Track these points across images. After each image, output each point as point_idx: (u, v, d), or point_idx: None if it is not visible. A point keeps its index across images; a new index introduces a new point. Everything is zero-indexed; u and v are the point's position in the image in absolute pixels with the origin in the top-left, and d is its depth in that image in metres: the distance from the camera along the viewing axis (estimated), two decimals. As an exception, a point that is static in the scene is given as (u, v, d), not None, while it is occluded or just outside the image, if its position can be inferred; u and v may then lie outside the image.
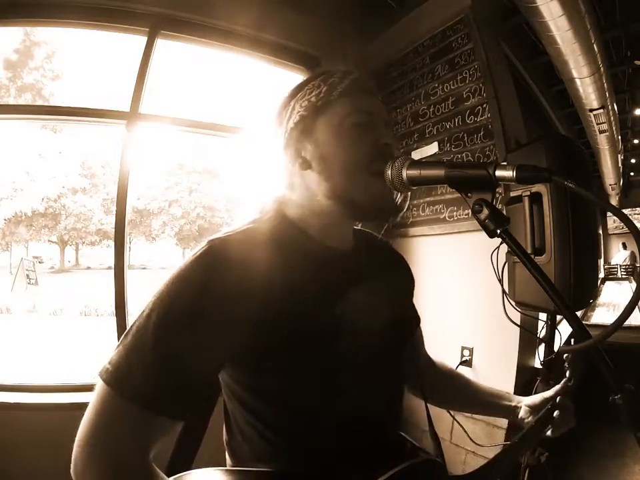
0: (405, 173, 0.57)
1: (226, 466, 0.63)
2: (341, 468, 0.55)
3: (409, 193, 0.64)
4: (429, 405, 0.74)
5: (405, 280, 0.78)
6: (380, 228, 0.76)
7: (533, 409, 0.77)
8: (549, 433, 0.76)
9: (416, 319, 0.82)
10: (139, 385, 0.47)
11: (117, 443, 0.47)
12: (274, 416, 0.57)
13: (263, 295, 0.52)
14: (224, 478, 0.55)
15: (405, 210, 0.66)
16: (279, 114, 0.64)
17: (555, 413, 0.74)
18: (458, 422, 1.03)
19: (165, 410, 0.49)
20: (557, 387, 0.79)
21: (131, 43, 1.91)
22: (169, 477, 0.51)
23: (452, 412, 1.19)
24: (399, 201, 0.64)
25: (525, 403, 0.79)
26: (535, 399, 0.79)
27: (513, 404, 0.80)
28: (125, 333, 0.51)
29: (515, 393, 0.84)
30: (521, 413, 0.79)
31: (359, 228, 0.73)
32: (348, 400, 0.57)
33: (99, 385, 0.49)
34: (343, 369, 0.57)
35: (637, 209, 9.43)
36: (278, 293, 0.53)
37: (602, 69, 2.70)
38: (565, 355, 0.82)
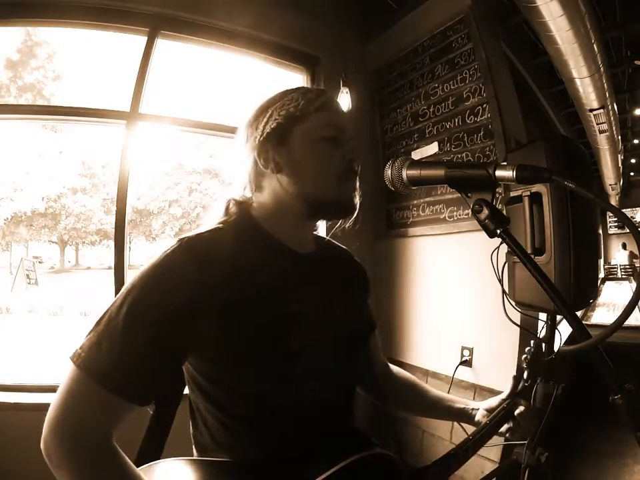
0: (404, 173, 0.57)
1: (193, 457, 0.66)
2: (296, 457, 0.59)
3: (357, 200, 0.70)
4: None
5: (360, 288, 0.82)
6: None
7: (490, 412, 0.81)
8: (508, 434, 0.80)
9: (370, 326, 0.86)
10: (106, 369, 0.51)
11: (82, 421, 0.51)
12: (233, 405, 0.60)
13: (225, 290, 0.57)
14: (187, 467, 0.58)
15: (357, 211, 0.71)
16: (255, 118, 0.68)
17: (514, 413, 0.79)
18: (458, 422, 1.03)
19: (128, 394, 0.52)
20: (510, 388, 0.82)
21: (130, 42, 1.91)
22: (138, 466, 0.54)
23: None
24: (357, 202, 0.70)
25: (483, 407, 0.82)
26: (492, 402, 0.82)
27: (469, 408, 0.84)
28: (97, 320, 0.55)
29: None
30: (478, 416, 0.82)
31: (323, 236, 0.79)
32: (302, 391, 0.62)
33: (70, 368, 0.53)
34: (295, 362, 0.62)
35: (637, 209, 9.42)
36: (239, 288, 0.58)
37: (602, 69, 2.70)
38: (524, 356, 0.84)
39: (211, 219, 0.67)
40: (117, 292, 1.72)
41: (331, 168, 0.65)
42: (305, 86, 0.67)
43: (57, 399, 0.52)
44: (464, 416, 0.84)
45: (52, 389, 1.61)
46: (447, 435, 1.88)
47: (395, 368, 0.92)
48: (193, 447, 0.67)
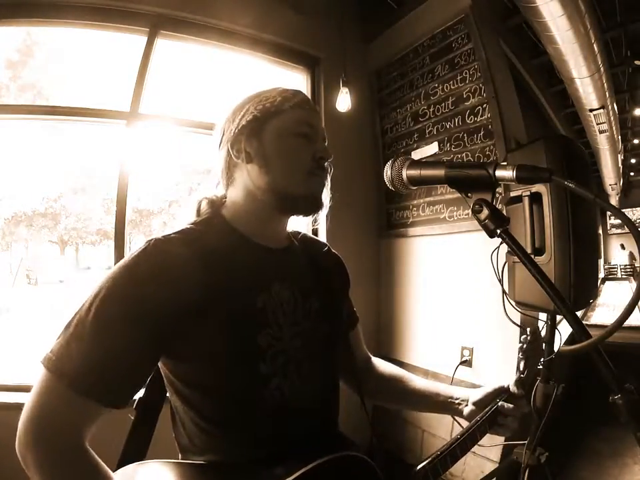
0: (404, 173, 0.57)
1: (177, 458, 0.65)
2: (270, 458, 0.58)
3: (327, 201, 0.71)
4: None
5: (338, 281, 0.82)
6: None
7: (479, 405, 0.78)
8: (500, 431, 0.78)
9: (351, 318, 0.86)
10: (76, 371, 0.51)
11: (54, 425, 0.51)
12: (206, 407, 0.60)
13: (195, 290, 0.57)
14: (161, 470, 0.58)
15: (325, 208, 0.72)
16: (232, 114, 0.69)
17: (503, 411, 0.76)
18: (458, 422, 1.03)
19: (99, 397, 0.52)
20: (505, 381, 0.80)
21: (130, 43, 1.91)
22: (119, 468, 0.55)
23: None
24: (324, 200, 0.71)
25: (471, 400, 0.80)
26: (482, 393, 0.79)
27: (455, 401, 0.81)
28: (67, 323, 0.55)
29: None
30: (466, 411, 0.80)
31: (298, 231, 0.79)
32: (271, 391, 0.61)
33: (41, 371, 0.53)
34: (262, 360, 0.61)
35: (637, 208, 9.42)
36: (208, 288, 0.58)
37: (602, 68, 2.70)
38: (520, 345, 0.82)
39: (182, 219, 0.68)
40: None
41: (300, 163, 0.66)
42: (282, 87, 0.69)
43: (29, 402, 0.52)
44: (450, 409, 0.82)
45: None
46: (447, 435, 1.88)
47: (378, 361, 0.91)
48: (177, 449, 0.67)
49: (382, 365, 0.90)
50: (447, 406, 0.82)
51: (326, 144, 0.71)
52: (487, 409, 0.76)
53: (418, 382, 0.85)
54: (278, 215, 0.69)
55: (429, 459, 0.66)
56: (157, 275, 0.56)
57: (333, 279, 0.79)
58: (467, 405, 0.80)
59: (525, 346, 0.82)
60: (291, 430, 0.62)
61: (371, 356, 0.91)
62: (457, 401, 0.81)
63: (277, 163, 0.66)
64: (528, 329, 0.88)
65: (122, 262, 0.58)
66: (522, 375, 0.79)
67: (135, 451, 0.65)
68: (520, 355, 0.80)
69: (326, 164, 0.69)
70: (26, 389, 1.58)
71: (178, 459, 0.64)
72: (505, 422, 0.77)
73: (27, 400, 0.52)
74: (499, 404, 0.76)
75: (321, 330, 0.69)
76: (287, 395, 0.62)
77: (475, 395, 0.80)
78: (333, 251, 0.85)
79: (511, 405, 0.77)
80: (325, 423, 0.70)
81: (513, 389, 0.79)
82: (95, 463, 0.52)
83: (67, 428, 0.51)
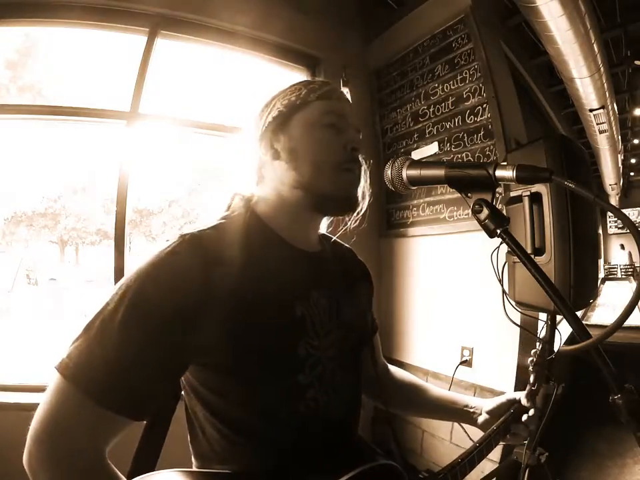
0: (404, 173, 0.57)
1: (192, 466, 0.63)
2: (299, 468, 0.56)
3: (368, 199, 0.68)
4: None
5: (366, 288, 0.80)
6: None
7: (493, 414, 0.79)
8: (510, 440, 0.79)
9: (373, 326, 0.84)
10: (99, 381, 0.46)
11: (72, 437, 0.46)
12: (234, 415, 0.56)
13: (227, 295, 0.52)
14: (182, 479, 0.53)
15: (362, 209, 0.69)
16: (261, 111, 0.67)
17: (516, 419, 0.77)
18: (460, 425, 1.03)
19: (125, 409, 0.48)
20: (520, 392, 0.80)
21: (131, 43, 1.91)
22: (131, 478, 0.50)
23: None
24: (360, 198, 0.66)
25: (485, 409, 0.80)
26: (496, 403, 0.80)
27: (470, 410, 0.81)
28: (87, 325, 0.50)
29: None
30: (480, 420, 0.80)
31: (327, 234, 0.76)
32: (307, 401, 0.58)
33: (56, 378, 0.48)
34: (301, 370, 0.58)
35: (637, 209, 9.41)
36: (245, 291, 0.54)
37: (602, 69, 2.70)
38: (530, 359, 0.83)
39: (212, 214, 0.63)
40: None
41: (328, 156, 0.62)
42: (309, 79, 0.66)
43: (43, 413, 0.47)
44: (466, 418, 0.82)
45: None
46: (447, 436, 1.88)
47: (394, 369, 0.90)
48: (192, 455, 0.63)
49: (398, 373, 0.89)
50: (462, 415, 0.82)
51: (360, 136, 0.66)
52: (501, 419, 0.77)
53: (434, 391, 0.85)
54: (309, 215, 0.65)
55: (450, 466, 0.67)
56: (192, 275, 0.51)
57: (361, 287, 0.77)
58: (480, 414, 0.81)
59: (535, 359, 0.83)
60: (320, 439, 0.60)
61: (387, 364, 0.90)
62: (471, 410, 0.81)
63: (303, 158, 0.62)
64: (537, 343, 0.89)
65: (152, 258, 0.52)
66: (533, 388, 0.79)
67: (146, 459, 0.61)
68: (531, 369, 0.80)
69: (361, 157, 0.64)
70: (26, 389, 1.58)
71: (190, 467, 0.61)
72: (518, 431, 0.78)
73: (39, 409, 0.47)
74: (512, 414, 0.77)
75: (350, 339, 0.67)
76: (321, 405, 0.60)
77: (489, 404, 0.80)
78: (359, 258, 0.82)
79: (523, 416, 0.78)
80: (350, 431, 0.68)
81: (524, 401, 0.79)
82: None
83: (87, 444, 0.47)
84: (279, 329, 0.57)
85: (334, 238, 0.76)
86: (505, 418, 0.76)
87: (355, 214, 0.68)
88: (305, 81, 0.68)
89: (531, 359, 0.83)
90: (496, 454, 1.64)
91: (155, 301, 0.49)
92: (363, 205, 0.68)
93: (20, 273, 9.82)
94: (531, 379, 0.80)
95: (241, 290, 0.54)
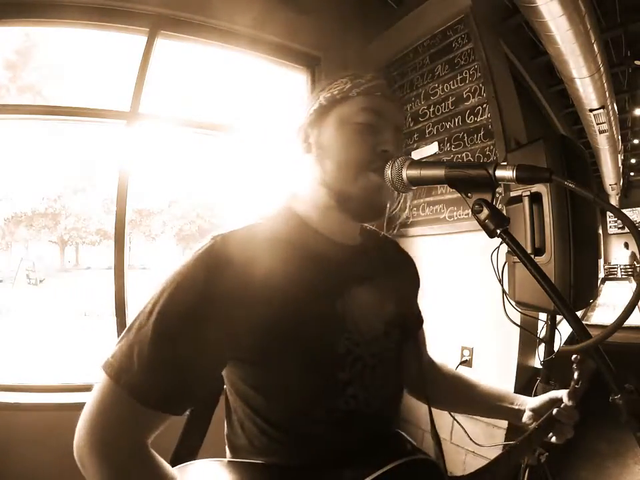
0: (404, 173, 0.57)
1: (226, 456, 0.64)
2: (337, 464, 0.56)
3: (405, 203, 0.67)
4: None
5: (410, 280, 0.78)
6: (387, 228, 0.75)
7: (537, 412, 0.77)
8: (553, 439, 0.76)
9: (419, 320, 0.82)
10: (138, 380, 0.49)
11: (116, 433, 0.49)
12: (274, 411, 0.57)
13: (264, 293, 0.53)
14: (223, 469, 0.56)
15: (397, 212, 0.68)
16: (307, 104, 0.65)
17: (558, 419, 0.74)
18: (458, 422, 1.03)
19: (160, 405, 0.50)
20: (563, 390, 0.77)
21: (130, 42, 1.91)
22: (173, 466, 0.53)
23: (452, 412, 1.19)
24: (388, 202, 0.64)
25: (529, 406, 0.78)
26: (539, 401, 0.78)
27: (516, 407, 0.79)
28: (128, 327, 0.52)
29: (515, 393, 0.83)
30: (524, 417, 0.78)
31: (368, 226, 0.74)
32: (346, 398, 0.58)
33: (102, 377, 0.50)
34: (341, 367, 0.57)
35: (637, 209, 9.41)
36: (279, 290, 0.54)
37: (602, 68, 2.70)
38: (574, 356, 0.80)
39: (250, 213, 0.63)
40: (117, 292, 1.73)
41: (355, 156, 0.59)
42: (360, 72, 0.64)
43: (90, 410, 0.50)
44: (510, 415, 0.80)
45: (52, 389, 1.61)
46: (447, 436, 1.88)
47: (441, 363, 0.87)
48: (226, 446, 0.64)
49: (445, 368, 0.87)
50: (508, 412, 0.80)
51: (400, 136, 0.64)
52: (544, 417, 0.74)
53: (481, 387, 0.82)
54: (337, 213, 0.63)
55: (486, 467, 0.67)
56: (224, 275, 0.51)
57: (405, 278, 0.75)
58: (524, 412, 0.79)
59: (580, 357, 0.81)
60: (359, 435, 0.59)
61: (432, 359, 0.88)
62: (517, 407, 0.79)
63: (329, 154, 0.61)
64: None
65: (186, 261, 0.53)
66: (576, 386, 0.77)
67: (188, 450, 0.63)
68: (574, 366, 0.79)
69: (390, 157, 0.60)
70: (26, 389, 1.58)
71: (226, 456, 0.63)
72: (562, 429, 0.75)
73: (87, 404, 0.50)
74: (555, 412, 0.75)
75: (393, 334, 0.66)
76: (360, 402, 0.59)
77: (533, 402, 0.78)
78: (402, 249, 0.80)
79: (566, 414, 0.75)
80: (389, 426, 0.67)
81: (565, 399, 0.76)
82: (160, 468, 0.51)
83: (130, 439, 0.49)
84: (318, 325, 0.56)
85: (374, 228, 0.74)
86: (547, 416, 0.74)
87: (380, 218, 0.65)
88: (354, 73, 0.65)
89: (575, 355, 0.81)
90: (496, 454, 1.64)
91: (186, 302, 0.51)
92: (392, 207, 0.67)
93: (20, 272, 9.82)
94: (575, 376, 0.78)
95: (275, 287, 0.53)
